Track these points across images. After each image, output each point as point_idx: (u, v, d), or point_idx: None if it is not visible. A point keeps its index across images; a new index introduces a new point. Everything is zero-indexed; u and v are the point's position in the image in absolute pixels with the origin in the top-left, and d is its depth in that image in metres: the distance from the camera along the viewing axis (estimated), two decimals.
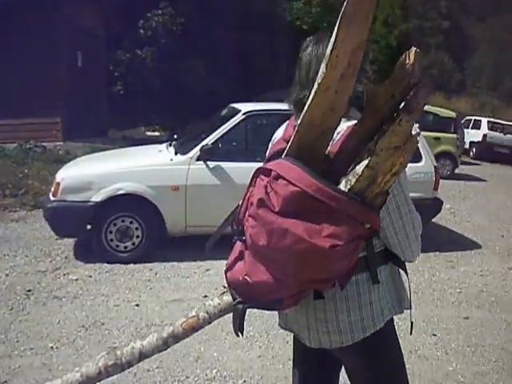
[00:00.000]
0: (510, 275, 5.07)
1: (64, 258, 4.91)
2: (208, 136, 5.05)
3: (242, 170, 4.86)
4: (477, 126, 17.87)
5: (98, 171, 4.90)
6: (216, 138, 5.00)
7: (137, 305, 3.89)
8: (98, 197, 4.65)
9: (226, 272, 1.42)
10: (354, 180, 1.20)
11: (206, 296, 4.04)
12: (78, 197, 4.66)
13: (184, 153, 5.00)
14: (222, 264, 5.21)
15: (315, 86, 1.17)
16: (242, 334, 1.40)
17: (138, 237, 4.82)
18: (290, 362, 2.97)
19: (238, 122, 5.12)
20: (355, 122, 1.33)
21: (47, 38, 10.47)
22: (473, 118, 18.53)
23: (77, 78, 11.58)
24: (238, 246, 1.39)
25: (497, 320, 3.95)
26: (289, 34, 16.80)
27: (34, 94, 10.24)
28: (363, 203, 1.20)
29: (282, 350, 3.28)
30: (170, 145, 5.50)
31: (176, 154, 5.04)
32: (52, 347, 3.20)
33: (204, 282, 4.41)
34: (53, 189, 4.82)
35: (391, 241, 1.43)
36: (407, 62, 1.14)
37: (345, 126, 1.34)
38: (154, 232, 4.85)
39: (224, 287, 3.15)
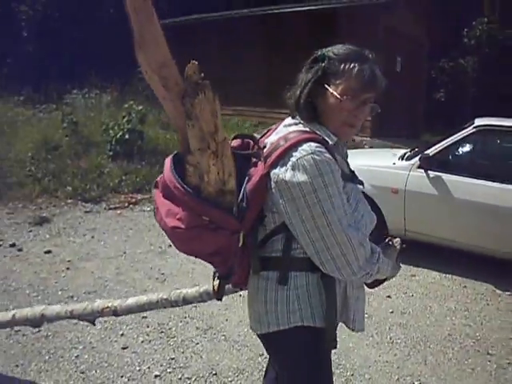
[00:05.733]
0: None
1: None
2: (433, 145, 4.97)
3: (463, 185, 4.71)
4: None
5: None
6: (440, 148, 4.88)
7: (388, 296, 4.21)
8: None
9: None
10: (187, 176, 1.37)
11: None
12: None
13: (407, 159, 5.08)
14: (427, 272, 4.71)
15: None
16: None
17: None
18: None
19: (467, 135, 4.84)
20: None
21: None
22: None
23: (393, 82, 11.79)
24: None
25: None
26: None
27: None
28: (197, 196, 1.33)
29: None
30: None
31: (401, 159, 5.14)
32: None
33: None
34: None
35: (308, 250, 1.43)
36: (186, 70, 1.30)
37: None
38: (375, 229, 4.96)
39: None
